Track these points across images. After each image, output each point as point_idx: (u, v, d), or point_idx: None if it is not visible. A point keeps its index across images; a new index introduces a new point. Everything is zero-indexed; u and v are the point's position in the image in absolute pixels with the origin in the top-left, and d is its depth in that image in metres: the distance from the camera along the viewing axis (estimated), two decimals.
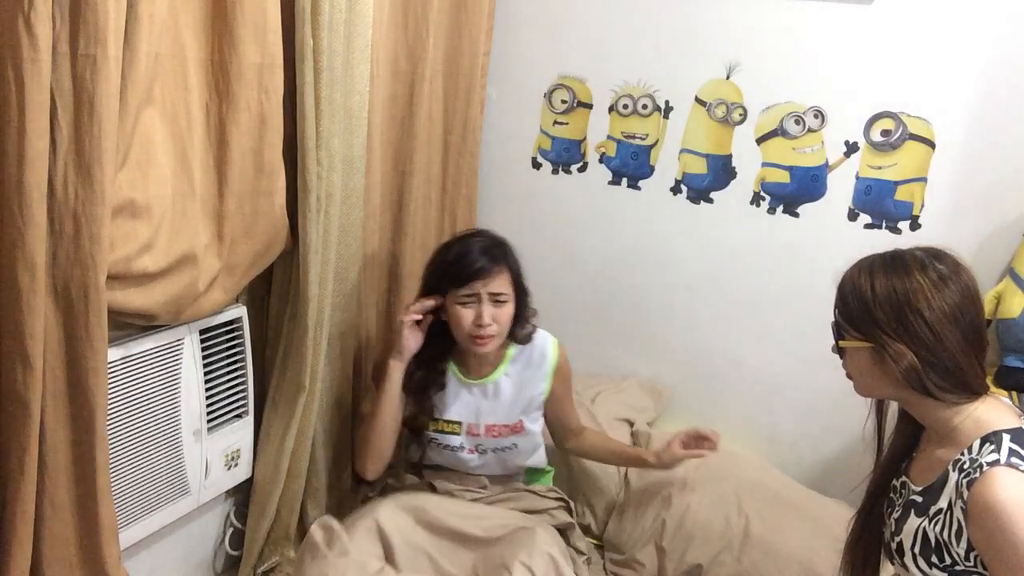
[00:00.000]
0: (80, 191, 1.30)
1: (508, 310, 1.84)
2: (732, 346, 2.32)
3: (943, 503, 1.22)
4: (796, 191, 2.19)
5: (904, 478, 1.35)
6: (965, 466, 1.18)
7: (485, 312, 1.79)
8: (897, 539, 1.30)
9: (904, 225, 2.10)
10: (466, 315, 1.80)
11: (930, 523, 1.23)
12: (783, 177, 2.20)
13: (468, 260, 1.81)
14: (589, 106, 2.40)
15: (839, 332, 1.34)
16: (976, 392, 1.25)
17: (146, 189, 1.46)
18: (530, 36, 2.42)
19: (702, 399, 2.38)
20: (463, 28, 2.31)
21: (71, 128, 1.28)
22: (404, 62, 2.16)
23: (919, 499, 1.28)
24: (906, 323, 1.23)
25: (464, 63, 2.34)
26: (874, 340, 1.26)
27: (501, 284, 1.82)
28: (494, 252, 1.84)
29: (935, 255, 1.27)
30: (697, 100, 2.26)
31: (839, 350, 1.35)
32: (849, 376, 1.36)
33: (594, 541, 2.16)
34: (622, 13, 2.30)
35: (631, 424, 2.35)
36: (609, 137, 2.39)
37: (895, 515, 1.33)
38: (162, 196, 1.50)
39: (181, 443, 1.72)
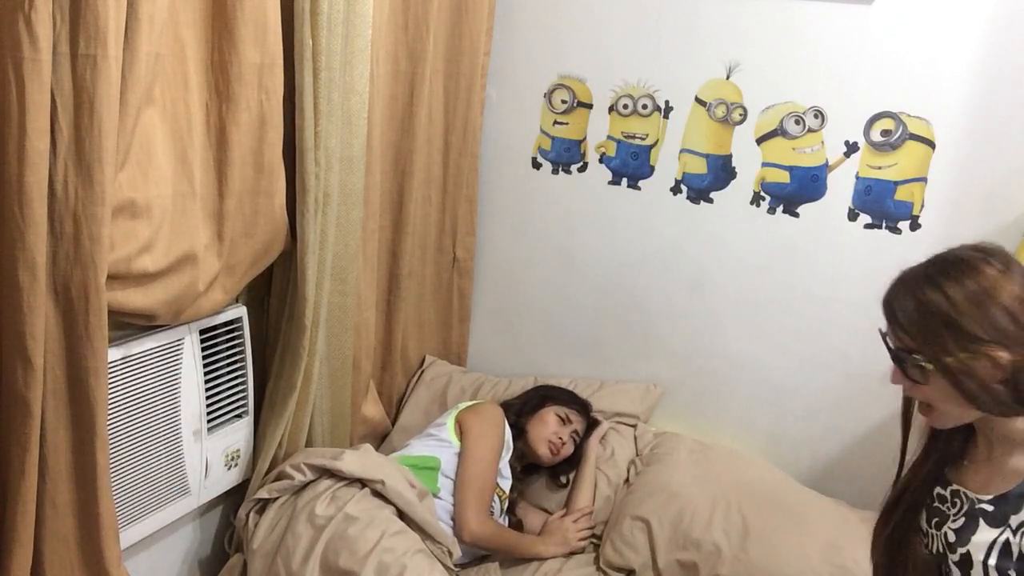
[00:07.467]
0: (80, 191, 1.31)
1: None
2: (732, 346, 2.32)
3: None
4: (796, 191, 2.19)
5: (955, 486, 1.26)
6: None
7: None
8: (961, 551, 1.20)
9: (904, 225, 2.10)
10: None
11: (1014, 535, 1.15)
12: (783, 177, 2.20)
13: None
14: (589, 106, 2.39)
15: (914, 362, 1.16)
16: None
17: (146, 189, 1.46)
18: (530, 36, 2.42)
19: (702, 399, 2.38)
20: (463, 28, 2.31)
21: (71, 128, 1.28)
22: (404, 62, 2.16)
23: (990, 508, 1.19)
24: (996, 322, 1.10)
25: (464, 63, 2.34)
26: (970, 353, 1.12)
27: None
28: None
29: (983, 248, 1.17)
30: (697, 100, 2.26)
31: (914, 382, 1.18)
32: (928, 410, 1.21)
33: (594, 540, 2.17)
34: (622, 13, 2.30)
35: (631, 425, 2.36)
36: (609, 137, 2.39)
37: (952, 525, 1.24)
38: (162, 196, 1.50)
39: (181, 443, 1.72)
